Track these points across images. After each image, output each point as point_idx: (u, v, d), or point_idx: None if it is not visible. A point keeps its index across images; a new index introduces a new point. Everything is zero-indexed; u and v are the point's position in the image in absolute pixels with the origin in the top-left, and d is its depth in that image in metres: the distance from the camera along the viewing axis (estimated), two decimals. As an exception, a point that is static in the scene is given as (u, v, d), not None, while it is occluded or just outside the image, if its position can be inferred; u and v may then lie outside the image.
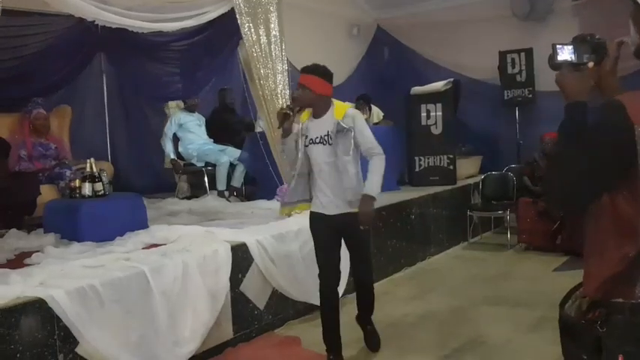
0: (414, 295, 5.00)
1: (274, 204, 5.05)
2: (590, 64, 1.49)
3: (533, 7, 8.05)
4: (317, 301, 4.45)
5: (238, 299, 3.89)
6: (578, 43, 1.53)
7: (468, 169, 7.76)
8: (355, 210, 3.35)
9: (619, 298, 1.40)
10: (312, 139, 3.42)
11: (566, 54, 1.52)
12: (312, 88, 3.36)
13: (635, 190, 1.30)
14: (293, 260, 4.25)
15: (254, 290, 4.03)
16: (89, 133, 6.41)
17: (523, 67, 8.24)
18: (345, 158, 3.33)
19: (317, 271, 3.67)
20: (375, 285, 5.21)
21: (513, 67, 8.34)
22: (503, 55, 8.33)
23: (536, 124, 8.00)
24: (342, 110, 3.40)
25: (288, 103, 4.44)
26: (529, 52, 8.14)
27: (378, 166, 3.39)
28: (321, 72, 3.42)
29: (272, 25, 4.55)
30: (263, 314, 4.11)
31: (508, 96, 8.34)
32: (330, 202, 3.43)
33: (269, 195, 5.41)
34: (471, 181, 7.42)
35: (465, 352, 3.76)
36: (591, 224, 1.44)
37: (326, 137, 3.37)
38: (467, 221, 6.86)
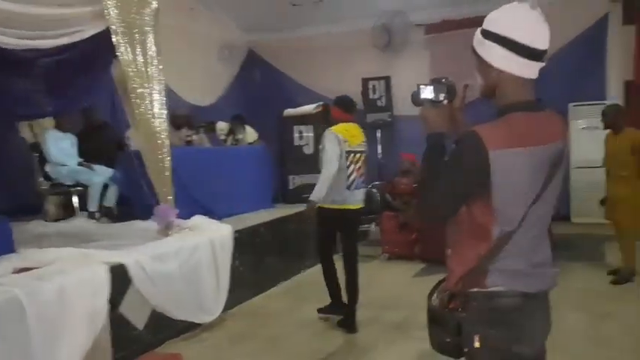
0: (291, 307, 5.24)
1: (151, 224, 4.98)
2: (445, 102, 1.80)
3: (391, 39, 8.85)
4: (196, 319, 4.54)
5: (117, 321, 3.84)
6: (436, 84, 1.82)
7: (336, 186, 8.24)
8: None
9: (474, 288, 1.65)
10: None
11: (427, 93, 1.81)
12: (332, 113, 4.76)
13: (488, 202, 1.59)
14: (172, 279, 4.26)
15: (133, 311, 4.00)
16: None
17: (383, 93, 9.00)
18: (320, 167, 4.48)
19: (196, 290, 4.42)
20: (253, 300, 5.44)
21: (374, 92, 9.06)
22: (365, 81, 9.01)
23: (394, 144, 8.79)
24: None
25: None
26: (388, 80, 8.92)
27: (320, 177, 4.47)
28: (337, 102, 4.77)
29: (148, 46, 4.56)
30: (142, 334, 4.09)
31: (370, 119, 9.02)
32: None
33: (144, 215, 5.29)
34: (339, 197, 7.88)
35: (338, 355, 4.08)
36: (452, 230, 1.73)
37: None
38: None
